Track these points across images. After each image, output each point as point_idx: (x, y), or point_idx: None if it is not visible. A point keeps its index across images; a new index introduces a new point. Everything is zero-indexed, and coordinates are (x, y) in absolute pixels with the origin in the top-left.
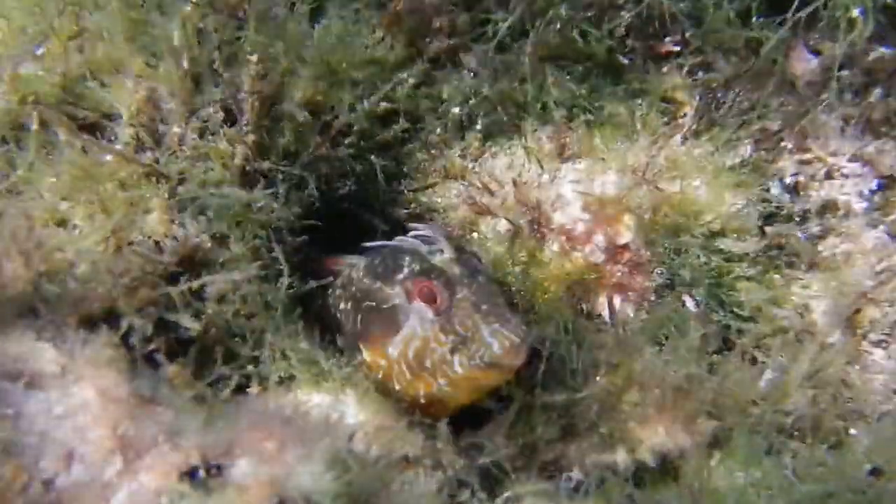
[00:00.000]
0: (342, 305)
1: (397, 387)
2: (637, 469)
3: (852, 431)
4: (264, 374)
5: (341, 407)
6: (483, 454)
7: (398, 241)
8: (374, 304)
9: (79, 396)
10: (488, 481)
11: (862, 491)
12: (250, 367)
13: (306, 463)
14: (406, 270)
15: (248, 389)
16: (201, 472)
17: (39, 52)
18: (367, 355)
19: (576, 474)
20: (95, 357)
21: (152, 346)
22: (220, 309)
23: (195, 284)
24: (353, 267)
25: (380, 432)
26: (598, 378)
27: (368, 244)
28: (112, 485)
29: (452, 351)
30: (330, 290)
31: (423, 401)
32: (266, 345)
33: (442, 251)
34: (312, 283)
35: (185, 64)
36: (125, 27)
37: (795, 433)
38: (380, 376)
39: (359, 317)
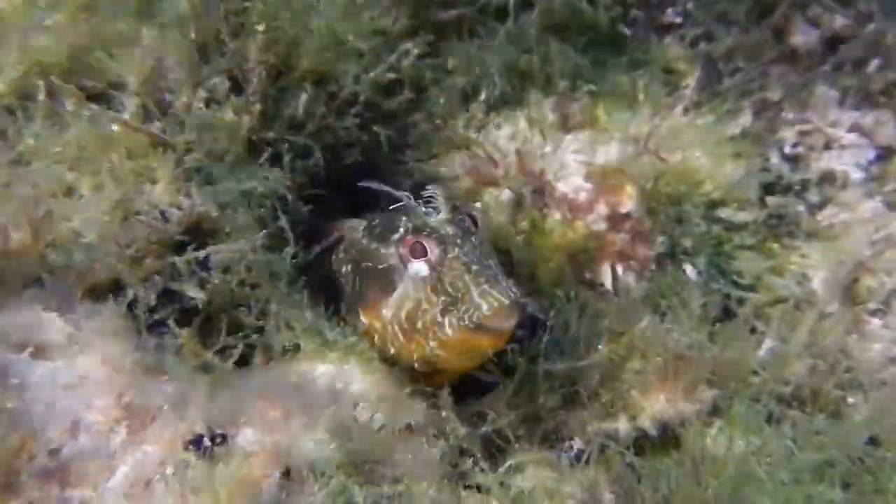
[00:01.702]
0: (343, 269)
1: (392, 351)
2: (638, 437)
3: (850, 400)
4: (269, 343)
5: (345, 376)
6: (486, 423)
7: (396, 193)
8: (370, 265)
9: (84, 366)
10: (491, 450)
11: (860, 459)
12: (255, 337)
13: (310, 432)
14: (401, 230)
15: (252, 359)
16: (206, 441)
17: (48, 21)
18: (364, 318)
19: (577, 443)
20: (101, 327)
21: (158, 316)
22: (226, 278)
23: (201, 254)
24: (353, 230)
25: (383, 401)
26: (599, 347)
27: (366, 184)
28: (117, 454)
29: (443, 312)
30: (333, 257)
31: (417, 366)
32: (271, 314)
33: (438, 211)
34: (317, 248)
35: (193, 34)
36: None
37: (794, 402)
38: (376, 340)
39: (357, 279)
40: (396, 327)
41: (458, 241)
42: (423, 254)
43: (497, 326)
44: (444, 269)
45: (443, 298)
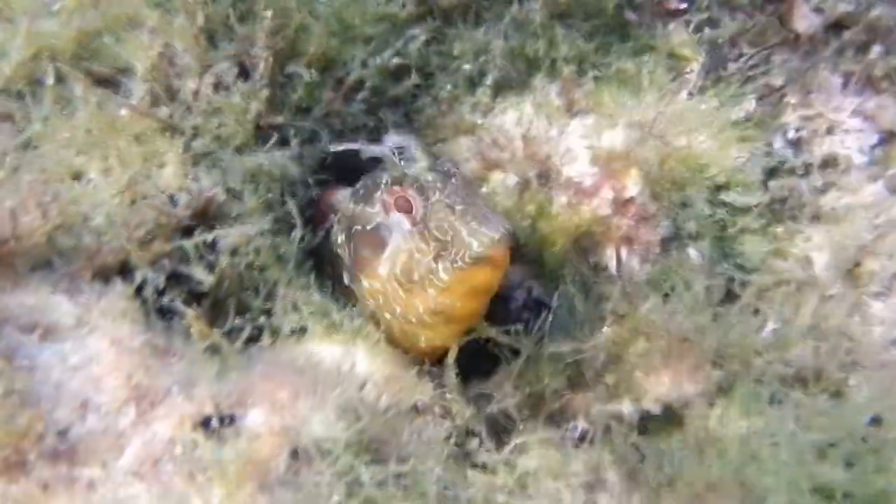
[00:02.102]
0: (339, 239)
1: (398, 309)
2: (642, 418)
3: (852, 381)
4: (276, 325)
5: (352, 357)
6: (491, 403)
7: (372, 149)
8: (360, 227)
9: (93, 347)
10: (496, 430)
11: (862, 439)
12: (262, 319)
13: (318, 412)
14: (382, 186)
15: (260, 341)
16: (214, 422)
17: (56, 6)
18: (365, 281)
19: (582, 423)
20: (110, 309)
21: (167, 298)
22: (233, 261)
23: (209, 237)
24: (343, 199)
25: (390, 382)
26: (604, 329)
27: (337, 146)
28: (126, 434)
29: (436, 258)
30: (331, 229)
31: (428, 319)
32: (278, 297)
33: (416, 160)
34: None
35: (200, 20)
36: None
37: (797, 383)
38: (381, 302)
39: (351, 245)
40: (395, 283)
41: (439, 184)
42: (406, 204)
43: (492, 255)
44: (430, 214)
45: (433, 245)
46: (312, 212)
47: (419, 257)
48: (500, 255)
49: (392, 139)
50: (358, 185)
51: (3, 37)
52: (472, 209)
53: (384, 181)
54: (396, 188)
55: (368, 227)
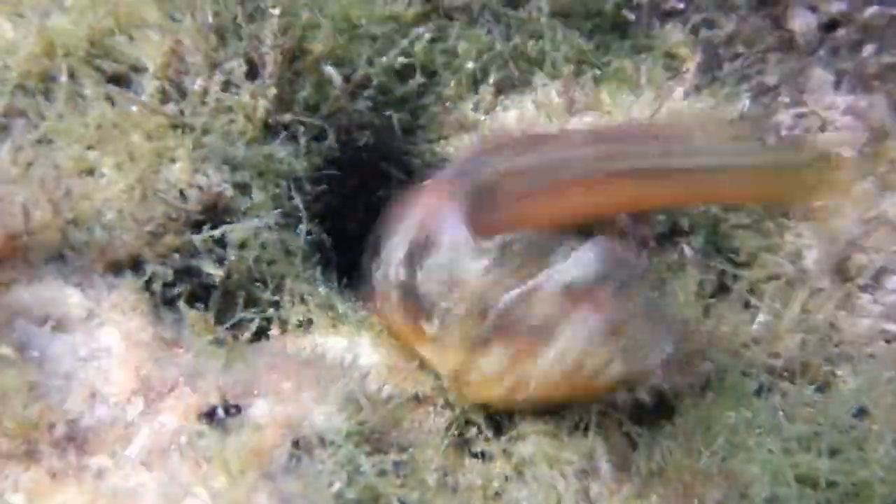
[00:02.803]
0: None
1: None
2: (635, 407)
3: (839, 373)
4: (284, 317)
5: (356, 349)
6: None
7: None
8: (514, 316)
9: (103, 340)
10: (494, 420)
11: (848, 430)
12: (271, 311)
13: (321, 403)
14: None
15: (268, 332)
16: (220, 412)
17: (67, 3)
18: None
19: (577, 413)
20: (120, 302)
21: (176, 292)
22: (242, 255)
23: (217, 232)
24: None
25: (392, 372)
26: None
27: None
28: (134, 424)
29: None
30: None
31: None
32: (286, 289)
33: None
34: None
35: (210, 18)
36: None
37: (785, 374)
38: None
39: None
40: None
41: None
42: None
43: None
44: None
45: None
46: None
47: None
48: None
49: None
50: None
51: (15, 33)
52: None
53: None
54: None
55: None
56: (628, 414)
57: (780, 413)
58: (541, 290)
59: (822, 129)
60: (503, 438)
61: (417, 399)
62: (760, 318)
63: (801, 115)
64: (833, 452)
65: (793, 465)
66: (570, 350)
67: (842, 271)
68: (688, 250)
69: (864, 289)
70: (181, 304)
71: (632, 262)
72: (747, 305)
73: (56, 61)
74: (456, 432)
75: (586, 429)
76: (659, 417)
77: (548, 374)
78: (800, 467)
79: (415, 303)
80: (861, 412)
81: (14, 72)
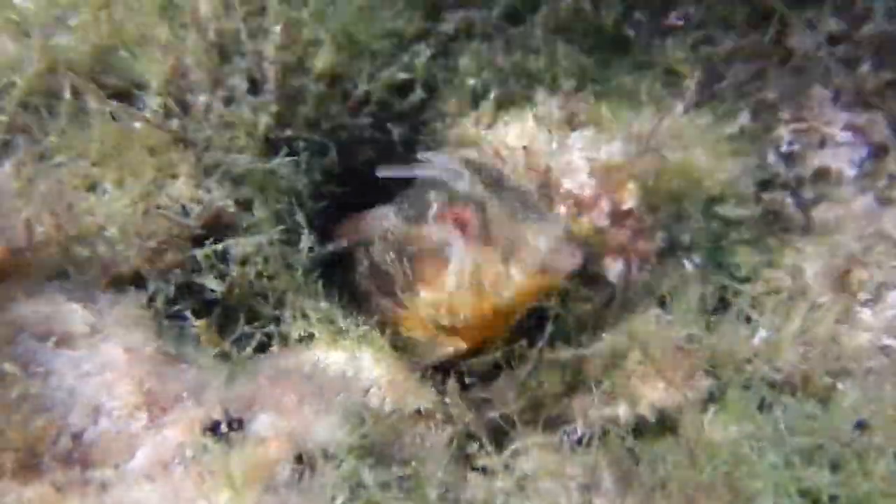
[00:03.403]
0: (388, 258)
1: (462, 315)
2: (637, 423)
3: (840, 387)
4: (285, 332)
5: (357, 363)
6: (492, 409)
7: (422, 173)
8: (416, 247)
9: (107, 354)
10: (496, 434)
11: (849, 443)
12: (272, 327)
13: (323, 417)
14: (435, 205)
15: (270, 348)
16: (223, 427)
17: (71, 21)
18: (426, 294)
19: (579, 427)
20: (123, 317)
21: (178, 307)
22: (244, 270)
23: (220, 247)
24: (384, 218)
25: (393, 387)
26: (602, 337)
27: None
28: (137, 438)
29: (504, 262)
30: (369, 249)
31: (490, 314)
32: (287, 305)
33: (461, 176)
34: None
35: (212, 35)
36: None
37: (786, 388)
38: (442, 311)
39: (406, 263)
40: (466, 293)
41: (493, 195)
42: (463, 223)
43: (562, 264)
44: (490, 225)
45: (500, 250)
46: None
47: (486, 266)
48: (571, 264)
49: (440, 159)
50: (402, 205)
51: (20, 51)
52: (530, 211)
53: (436, 201)
54: (451, 208)
55: (428, 247)
56: (630, 428)
57: (782, 426)
58: (422, 221)
59: (822, 144)
60: (505, 453)
61: (419, 413)
62: (761, 332)
63: (800, 131)
64: (835, 466)
65: (795, 478)
66: (461, 270)
67: (842, 286)
68: (689, 265)
69: (864, 303)
70: (188, 313)
71: (486, 171)
72: (748, 320)
73: (59, 78)
74: (458, 447)
75: (589, 443)
76: (661, 431)
77: (462, 297)
78: (802, 481)
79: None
80: (862, 425)
81: (18, 89)
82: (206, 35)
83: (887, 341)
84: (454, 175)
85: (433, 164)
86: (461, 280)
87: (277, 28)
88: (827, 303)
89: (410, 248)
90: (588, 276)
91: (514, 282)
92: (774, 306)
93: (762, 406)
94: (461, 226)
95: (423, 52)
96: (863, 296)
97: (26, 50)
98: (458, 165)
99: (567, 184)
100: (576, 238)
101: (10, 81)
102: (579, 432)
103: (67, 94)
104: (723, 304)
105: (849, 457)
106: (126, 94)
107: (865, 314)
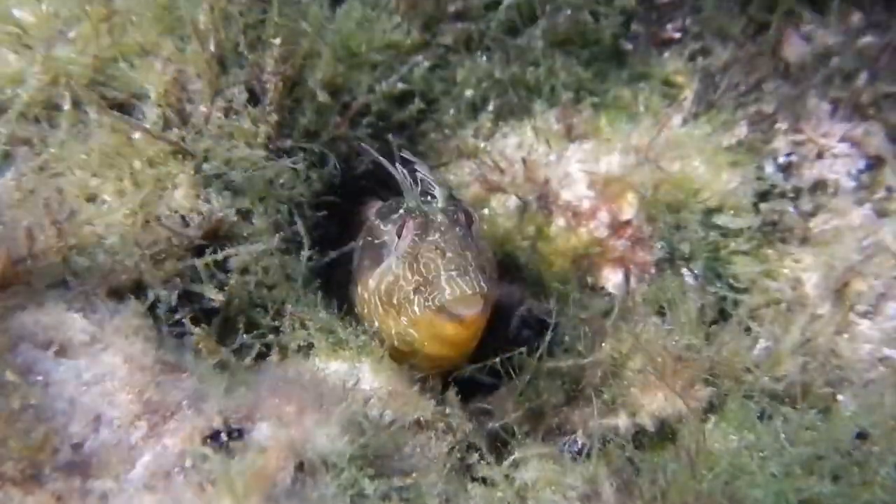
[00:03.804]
0: (357, 246)
1: (375, 322)
2: (637, 432)
3: (840, 397)
4: (284, 342)
5: (357, 373)
6: (492, 419)
7: (395, 170)
8: (371, 239)
9: (107, 364)
10: (496, 444)
11: (849, 453)
12: (271, 336)
13: (324, 426)
14: (401, 211)
15: (268, 357)
16: (223, 436)
17: (72, 34)
18: (359, 287)
19: (579, 437)
20: (123, 326)
21: (178, 316)
22: (243, 280)
23: (219, 256)
24: (371, 209)
25: (393, 397)
26: (602, 346)
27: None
28: (138, 447)
29: (415, 290)
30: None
31: (396, 343)
32: (286, 314)
33: (437, 197)
34: (333, 254)
35: (212, 47)
36: (154, 11)
37: (786, 399)
38: (365, 311)
39: (362, 253)
40: (377, 298)
41: (443, 227)
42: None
43: (459, 313)
44: (422, 251)
45: (416, 278)
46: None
47: (402, 284)
48: (468, 314)
49: (423, 169)
50: (386, 203)
51: (21, 63)
52: (460, 261)
53: (403, 206)
54: (406, 216)
55: (376, 242)
56: (631, 438)
57: (783, 436)
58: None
59: (820, 156)
60: (505, 463)
61: (419, 424)
62: (761, 343)
63: (798, 143)
64: (835, 476)
65: (796, 488)
66: (383, 272)
67: (841, 297)
68: (688, 276)
69: (864, 315)
70: (186, 321)
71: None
72: (748, 331)
73: (60, 89)
74: (458, 457)
75: (588, 453)
76: (661, 441)
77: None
78: (802, 491)
79: None
80: (861, 435)
81: (19, 101)
82: (206, 46)
83: (887, 352)
84: (429, 189)
85: (407, 170)
86: (379, 283)
87: (277, 40)
88: (826, 314)
89: (368, 240)
90: (587, 285)
91: (412, 315)
92: (774, 317)
93: (762, 416)
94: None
95: (422, 63)
96: (862, 307)
97: (28, 62)
98: (440, 190)
99: (566, 195)
100: (488, 298)
101: (14, 94)
102: (579, 443)
103: (67, 106)
104: (722, 315)
105: (849, 466)
106: (125, 105)
107: (865, 325)
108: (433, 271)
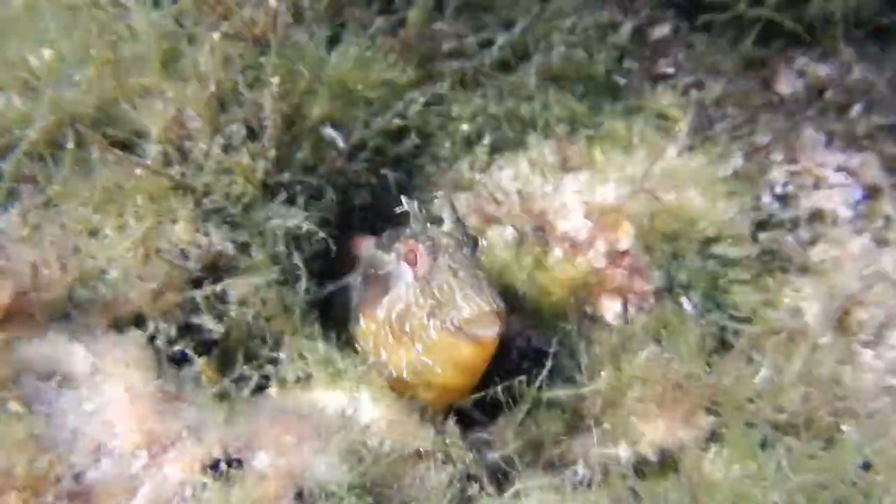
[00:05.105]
0: (356, 282)
1: (384, 354)
2: (638, 462)
3: (844, 428)
4: (283, 373)
5: (356, 403)
6: (492, 450)
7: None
8: (374, 271)
9: (108, 394)
10: (496, 475)
11: (853, 483)
12: (269, 368)
13: (323, 455)
14: (402, 237)
15: (267, 389)
16: (223, 465)
17: (77, 77)
18: (362, 321)
19: (580, 468)
20: (124, 357)
21: (178, 347)
22: (242, 312)
23: (218, 287)
24: (367, 247)
25: (393, 427)
26: (602, 375)
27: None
28: (139, 477)
29: (429, 315)
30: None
31: (406, 375)
32: (285, 346)
33: (443, 221)
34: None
35: (212, 87)
36: (158, 55)
37: (789, 429)
38: (371, 345)
39: (363, 286)
40: (388, 328)
41: (451, 248)
42: (414, 258)
43: (478, 333)
44: (434, 273)
45: (430, 302)
46: (334, 256)
47: (415, 310)
48: (488, 334)
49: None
50: (385, 234)
51: (28, 106)
52: (473, 279)
53: (405, 234)
54: (412, 241)
55: (380, 272)
56: (632, 468)
57: (785, 465)
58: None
59: (816, 186)
60: (506, 494)
61: (419, 454)
62: (763, 372)
63: (794, 173)
64: None
65: None
66: (393, 300)
67: (843, 326)
68: (687, 305)
69: (866, 344)
70: (188, 350)
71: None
72: (750, 360)
73: (64, 129)
74: (458, 488)
75: (590, 484)
76: (663, 470)
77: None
78: None
79: None
80: (865, 465)
81: (26, 141)
82: (206, 87)
83: (891, 381)
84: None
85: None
86: (389, 312)
87: (275, 79)
88: (828, 343)
89: (370, 272)
90: (586, 315)
91: (429, 340)
92: (775, 346)
93: (765, 446)
94: (412, 262)
95: (417, 100)
96: (864, 336)
97: (35, 105)
98: (448, 209)
99: (562, 225)
100: (501, 317)
101: (21, 135)
102: (580, 473)
103: (71, 145)
104: (723, 345)
105: (853, 495)
106: (127, 144)
107: (868, 355)
108: (447, 292)
